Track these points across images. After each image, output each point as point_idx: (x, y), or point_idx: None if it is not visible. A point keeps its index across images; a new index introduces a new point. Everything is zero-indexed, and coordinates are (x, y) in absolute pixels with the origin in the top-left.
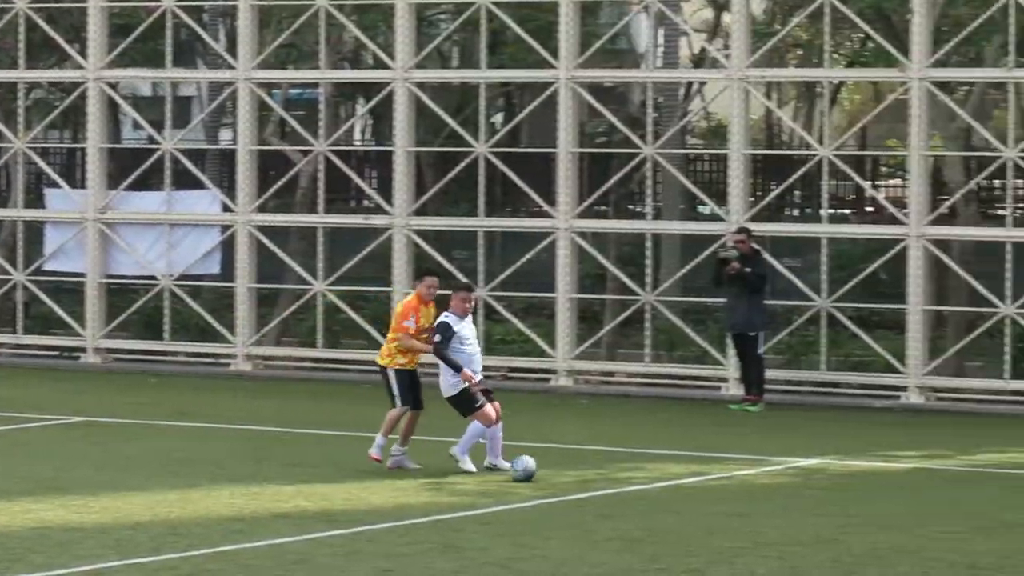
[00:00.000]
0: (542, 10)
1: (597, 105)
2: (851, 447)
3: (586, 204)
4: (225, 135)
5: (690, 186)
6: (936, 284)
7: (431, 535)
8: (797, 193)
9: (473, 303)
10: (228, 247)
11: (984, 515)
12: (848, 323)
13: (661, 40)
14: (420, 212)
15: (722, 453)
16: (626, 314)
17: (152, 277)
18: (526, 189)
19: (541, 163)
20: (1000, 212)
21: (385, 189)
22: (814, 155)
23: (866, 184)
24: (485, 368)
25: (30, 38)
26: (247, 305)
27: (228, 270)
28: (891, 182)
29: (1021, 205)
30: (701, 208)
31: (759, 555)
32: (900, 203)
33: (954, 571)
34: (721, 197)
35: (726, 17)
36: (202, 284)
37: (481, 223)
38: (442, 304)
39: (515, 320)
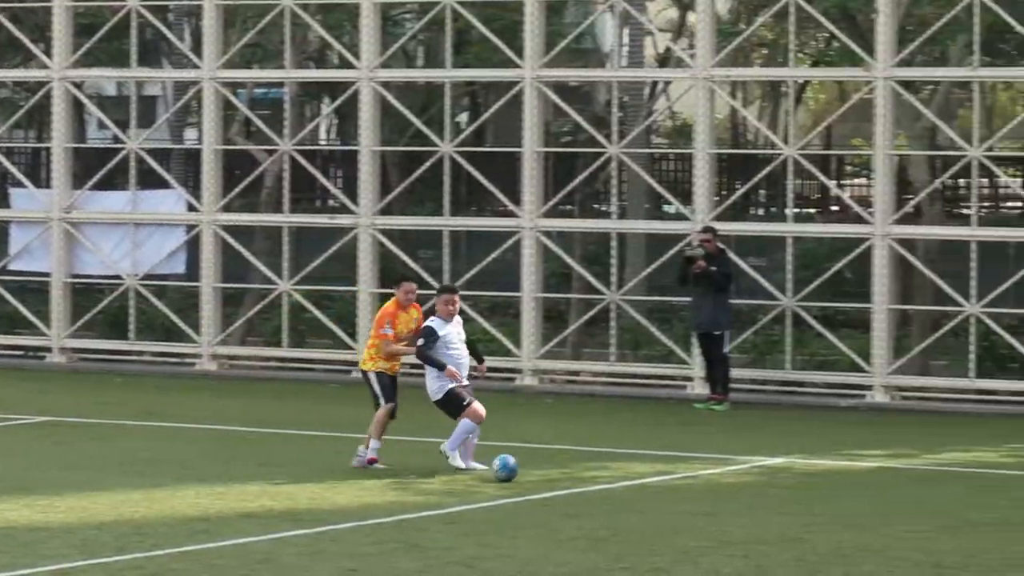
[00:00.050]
0: (507, 9)
1: (562, 104)
2: (816, 446)
3: (551, 203)
4: (190, 135)
5: (655, 185)
6: (901, 283)
7: (396, 535)
8: (762, 192)
9: (458, 305)
10: (193, 246)
11: (949, 514)
12: (813, 322)
13: (626, 39)
14: (385, 211)
15: (687, 452)
16: (591, 313)
17: (117, 277)
18: (491, 188)
19: (506, 162)
20: (965, 211)
21: (350, 188)
22: (779, 154)
23: (831, 183)
24: None
25: None
26: (212, 304)
27: (193, 270)
28: (856, 181)
29: (986, 204)
30: (666, 207)
31: (724, 554)
32: (865, 202)
33: (919, 570)
34: (686, 196)
35: (691, 16)
36: (167, 284)
37: (446, 222)
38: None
39: (480, 319)
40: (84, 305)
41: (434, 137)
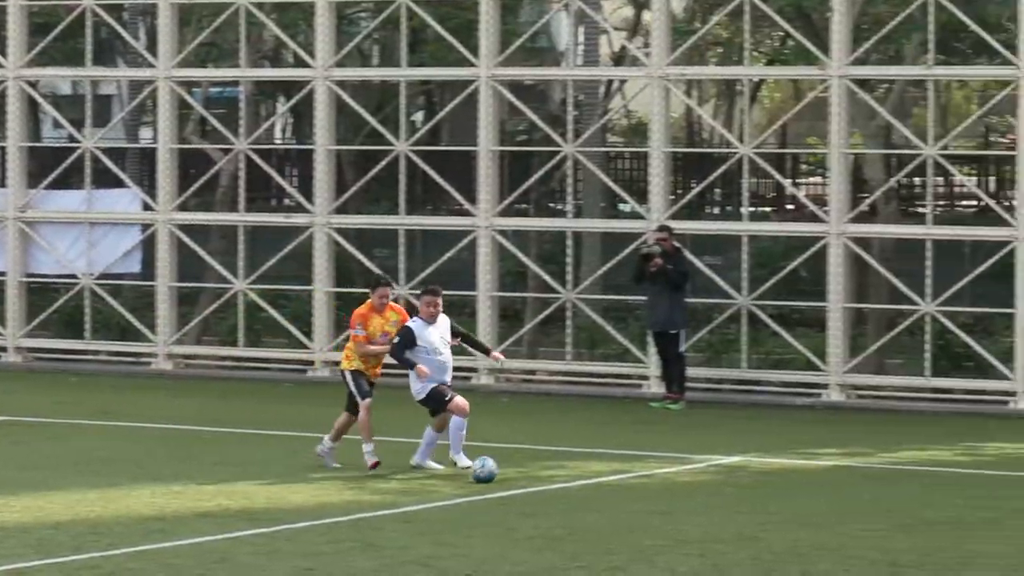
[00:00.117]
0: (462, 8)
1: (518, 103)
2: (772, 445)
3: (507, 202)
4: (145, 134)
5: (611, 184)
6: (856, 282)
7: (352, 534)
8: (718, 191)
9: (440, 307)
10: (149, 246)
11: (905, 512)
12: (769, 321)
13: (581, 38)
14: (341, 210)
15: (643, 451)
16: (547, 312)
17: (73, 276)
18: (447, 187)
19: (462, 161)
20: (920, 210)
21: (306, 187)
22: (734, 153)
23: (786, 182)
24: None
25: None
26: (168, 304)
27: (149, 269)
28: (811, 180)
29: (941, 203)
30: (622, 206)
31: (680, 553)
32: (820, 201)
33: (875, 569)
34: (642, 195)
35: (646, 15)
36: (123, 283)
37: (402, 221)
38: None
39: None
40: (39, 304)
41: (389, 136)
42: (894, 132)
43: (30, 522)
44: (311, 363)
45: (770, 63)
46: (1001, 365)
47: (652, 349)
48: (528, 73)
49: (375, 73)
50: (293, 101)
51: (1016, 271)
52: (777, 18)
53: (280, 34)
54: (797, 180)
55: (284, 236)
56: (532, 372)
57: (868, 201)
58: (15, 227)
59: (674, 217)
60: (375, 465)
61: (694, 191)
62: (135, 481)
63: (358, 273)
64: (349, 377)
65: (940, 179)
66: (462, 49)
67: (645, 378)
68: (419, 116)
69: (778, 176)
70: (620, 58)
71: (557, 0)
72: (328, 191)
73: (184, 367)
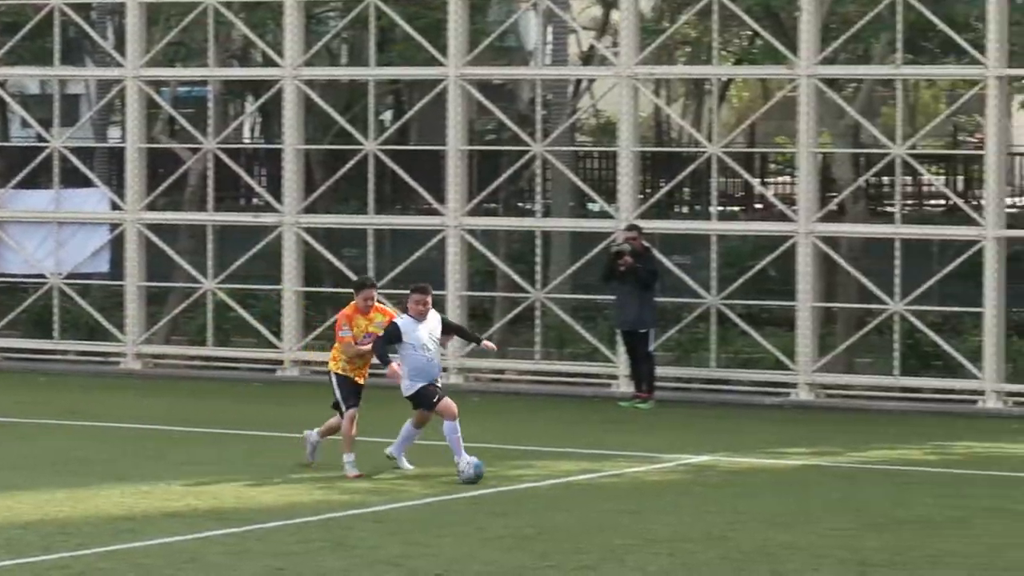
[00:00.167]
0: (431, 7)
1: (486, 103)
2: (741, 444)
3: (476, 202)
4: (114, 133)
5: (580, 183)
6: (825, 281)
7: (322, 533)
8: (686, 190)
9: (428, 305)
10: (117, 245)
11: (874, 511)
12: (738, 320)
13: (550, 38)
14: (310, 210)
15: (613, 450)
16: (516, 311)
17: (41, 275)
18: (416, 187)
19: (431, 161)
20: (889, 209)
21: (274, 187)
22: (703, 152)
23: (755, 181)
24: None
25: None
26: (136, 303)
27: (117, 268)
28: (780, 179)
29: (909, 202)
30: (591, 205)
31: (650, 552)
32: (789, 200)
33: (844, 567)
34: (610, 194)
35: (615, 14)
36: (91, 282)
37: (371, 221)
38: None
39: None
40: (8, 304)
41: (358, 135)
42: (862, 131)
43: None
44: (280, 363)
45: (738, 62)
46: (970, 364)
47: (621, 348)
48: (497, 72)
49: (344, 72)
50: (262, 100)
51: (984, 270)
52: (745, 17)
53: (249, 33)
54: (766, 179)
55: (253, 236)
56: (501, 371)
57: (837, 200)
58: None
59: (643, 216)
60: (357, 477)
61: (663, 190)
62: (104, 481)
63: (327, 273)
64: (334, 381)
65: (908, 178)
66: (431, 48)
67: (614, 377)
68: (388, 115)
69: (747, 175)
70: (589, 57)
71: None
72: (297, 191)
73: (153, 367)
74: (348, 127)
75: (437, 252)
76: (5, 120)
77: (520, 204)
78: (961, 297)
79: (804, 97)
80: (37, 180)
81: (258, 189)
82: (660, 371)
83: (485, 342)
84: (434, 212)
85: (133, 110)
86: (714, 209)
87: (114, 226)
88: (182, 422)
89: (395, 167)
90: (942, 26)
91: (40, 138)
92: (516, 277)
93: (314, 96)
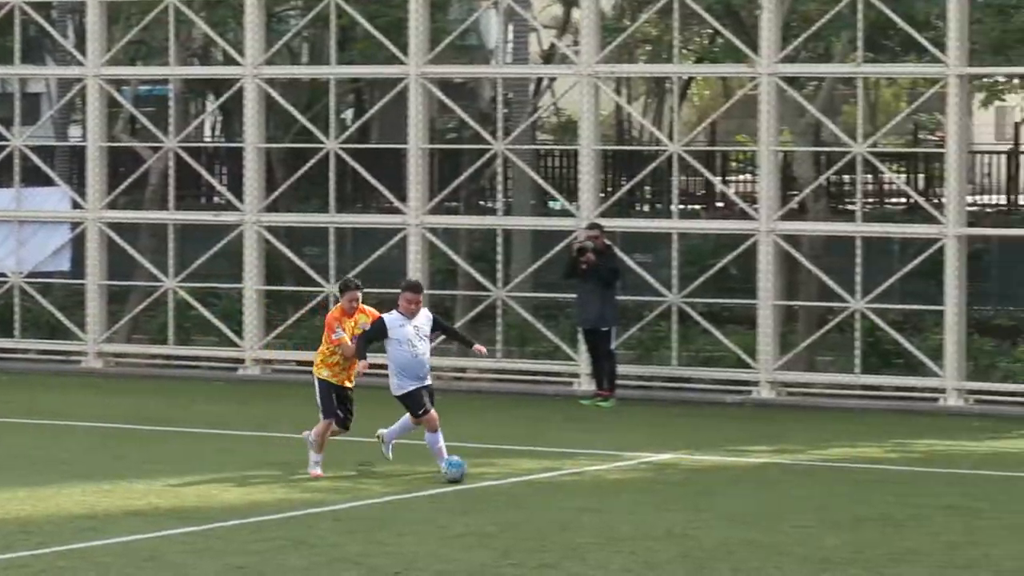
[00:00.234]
0: (392, 6)
1: (447, 101)
2: (702, 442)
3: (437, 200)
4: (75, 132)
5: (541, 182)
6: (786, 279)
7: (283, 532)
8: (647, 189)
9: (419, 303)
10: (78, 244)
11: (835, 509)
12: (699, 318)
13: (511, 36)
14: (271, 209)
15: (574, 449)
16: (477, 310)
17: (2, 274)
18: (377, 185)
19: (392, 159)
20: (850, 207)
21: (235, 186)
22: (664, 151)
23: (716, 179)
24: None
25: None
26: (98, 302)
27: (78, 267)
28: (741, 177)
29: (870, 200)
30: (552, 204)
31: (612, 550)
32: (750, 198)
33: (806, 565)
34: (572, 193)
35: (575, 13)
36: (52, 281)
37: (332, 219)
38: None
39: None
40: None
41: (319, 134)
42: (823, 129)
43: None
44: (242, 361)
45: (699, 61)
46: (930, 362)
47: (583, 347)
48: (458, 71)
49: (305, 71)
50: (222, 99)
51: (945, 268)
52: (706, 16)
53: (209, 32)
54: (727, 178)
55: (214, 234)
56: (463, 370)
57: (798, 199)
58: None
59: (604, 215)
60: (317, 476)
61: (624, 188)
62: (65, 479)
63: (288, 271)
64: (317, 388)
65: (869, 176)
66: (391, 47)
67: (576, 375)
68: (349, 114)
69: (708, 174)
70: (549, 56)
71: None
72: (258, 189)
73: (114, 365)
74: (309, 126)
75: (398, 251)
76: None
77: (481, 202)
78: (922, 295)
79: (765, 95)
80: None
81: (219, 188)
82: (622, 369)
83: (477, 346)
84: (395, 211)
85: (94, 109)
86: (675, 207)
87: (75, 225)
88: (143, 421)
89: (356, 166)
90: (903, 24)
91: (0, 137)
92: (477, 275)
93: (275, 95)
